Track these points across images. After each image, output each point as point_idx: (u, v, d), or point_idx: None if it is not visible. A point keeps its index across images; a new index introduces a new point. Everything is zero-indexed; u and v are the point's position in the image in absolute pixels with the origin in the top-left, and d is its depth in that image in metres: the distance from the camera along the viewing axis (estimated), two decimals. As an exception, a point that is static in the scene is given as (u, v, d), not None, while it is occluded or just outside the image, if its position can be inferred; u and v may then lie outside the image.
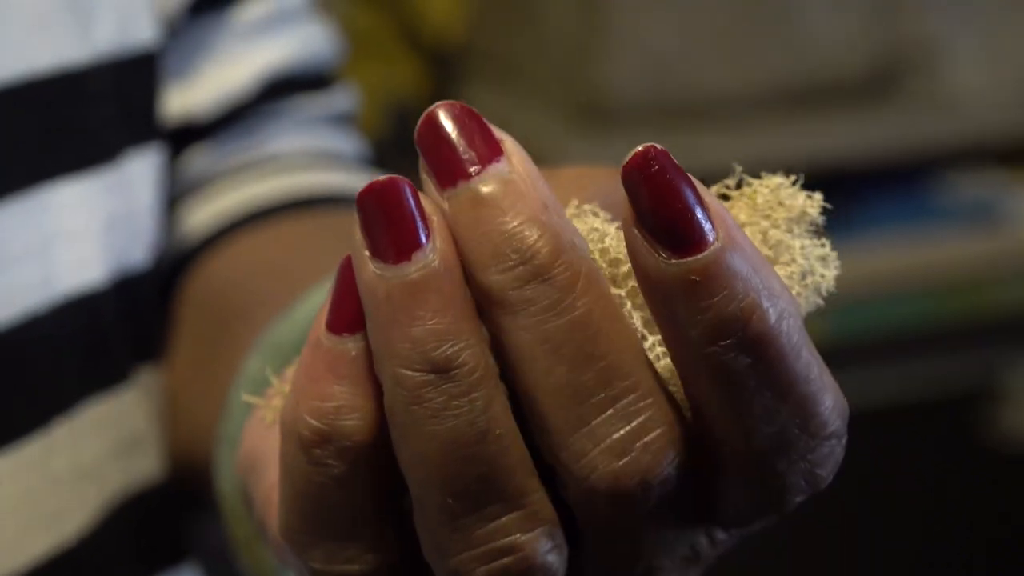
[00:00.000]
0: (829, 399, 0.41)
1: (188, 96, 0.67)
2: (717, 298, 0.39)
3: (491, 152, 0.41)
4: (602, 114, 1.64)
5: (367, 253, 0.41)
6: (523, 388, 0.41)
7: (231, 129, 0.69)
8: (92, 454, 0.59)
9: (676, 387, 0.42)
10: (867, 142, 1.70)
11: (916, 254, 1.69)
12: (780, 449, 0.41)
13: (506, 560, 0.42)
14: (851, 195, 1.67)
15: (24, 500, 0.57)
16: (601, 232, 0.43)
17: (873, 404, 1.66)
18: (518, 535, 0.42)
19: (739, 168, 0.44)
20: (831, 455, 0.42)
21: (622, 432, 0.41)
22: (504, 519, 0.41)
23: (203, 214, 0.68)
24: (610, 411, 0.41)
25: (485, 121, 0.41)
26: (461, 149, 0.41)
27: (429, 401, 0.40)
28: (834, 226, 0.44)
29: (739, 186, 0.44)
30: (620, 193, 0.40)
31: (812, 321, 0.42)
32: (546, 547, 0.42)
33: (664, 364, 0.42)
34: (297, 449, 0.42)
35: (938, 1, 1.73)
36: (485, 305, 0.41)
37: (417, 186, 0.41)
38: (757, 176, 0.44)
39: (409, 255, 0.40)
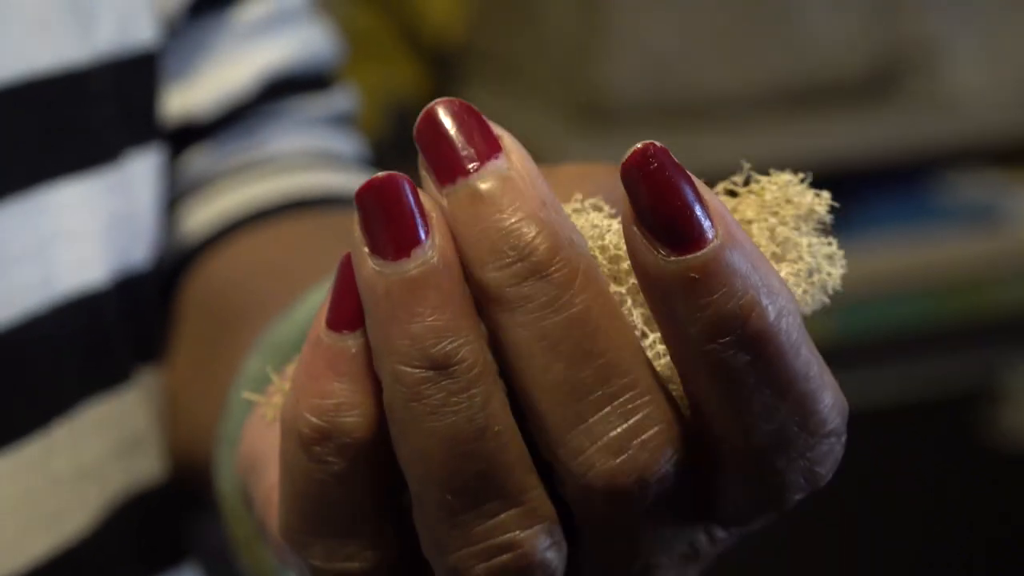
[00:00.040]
0: (828, 397, 0.41)
1: (188, 96, 0.67)
2: (716, 295, 0.39)
3: (490, 149, 0.41)
4: (602, 114, 1.64)
5: (366, 250, 0.41)
6: (521, 385, 0.41)
7: (231, 129, 0.69)
8: (92, 454, 0.59)
9: (676, 385, 0.42)
10: (867, 142, 1.70)
11: (916, 254, 1.69)
12: (779, 446, 0.41)
13: (505, 557, 0.42)
14: (851, 195, 1.67)
15: (24, 500, 0.57)
16: (601, 229, 0.43)
17: (873, 404, 1.66)
18: (517, 532, 0.42)
19: (747, 165, 0.44)
20: (830, 453, 0.42)
21: (619, 429, 0.41)
22: (503, 516, 0.41)
23: (203, 214, 0.68)
24: (607, 408, 0.41)
25: (484, 118, 0.41)
26: (460, 146, 0.41)
27: (428, 397, 0.40)
28: (834, 226, 0.44)
29: (747, 183, 0.44)
30: (619, 190, 0.40)
31: (819, 319, 0.42)
32: (545, 544, 0.42)
33: (664, 362, 0.42)
34: (297, 446, 0.42)
35: (938, 1, 1.73)
36: (483, 302, 0.41)
37: (416, 183, 0.41)
38: (764, 174, 0.44)
39: (408, 252, 0.40)
